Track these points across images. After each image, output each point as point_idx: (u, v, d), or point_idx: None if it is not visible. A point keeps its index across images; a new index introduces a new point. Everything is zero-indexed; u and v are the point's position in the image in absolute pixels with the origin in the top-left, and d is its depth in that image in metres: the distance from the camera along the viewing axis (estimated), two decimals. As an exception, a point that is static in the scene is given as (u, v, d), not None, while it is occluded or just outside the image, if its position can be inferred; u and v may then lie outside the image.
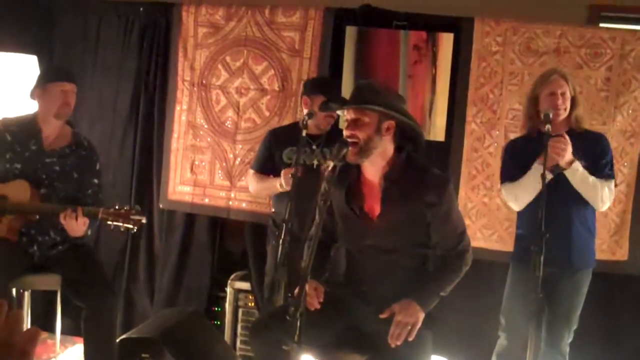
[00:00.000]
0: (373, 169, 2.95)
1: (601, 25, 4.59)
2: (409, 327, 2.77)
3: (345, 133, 2.85)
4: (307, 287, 2.89)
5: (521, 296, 3.48)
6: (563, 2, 4.41)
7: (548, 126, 3.28)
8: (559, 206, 3.42)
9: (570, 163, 3.36)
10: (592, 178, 3.47)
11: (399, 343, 2.75)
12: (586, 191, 3.47)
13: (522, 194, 3.53)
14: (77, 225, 3.52)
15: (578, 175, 3.43)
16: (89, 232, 3.67)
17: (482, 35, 4.41)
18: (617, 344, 4.38)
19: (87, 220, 3.53)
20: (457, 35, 4.45)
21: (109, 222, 3.49)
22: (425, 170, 2.98)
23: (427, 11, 4.46)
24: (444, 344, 3.56)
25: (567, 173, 3.41)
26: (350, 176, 2.96)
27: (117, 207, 3.51)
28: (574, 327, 3.62)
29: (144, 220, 3.54)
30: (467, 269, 3.03)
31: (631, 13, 4.64)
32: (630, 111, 4.32)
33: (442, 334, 3.15)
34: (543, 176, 3.13)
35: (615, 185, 3.65)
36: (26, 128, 3.80)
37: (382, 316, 2.82)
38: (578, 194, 3.39)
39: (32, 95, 3.81)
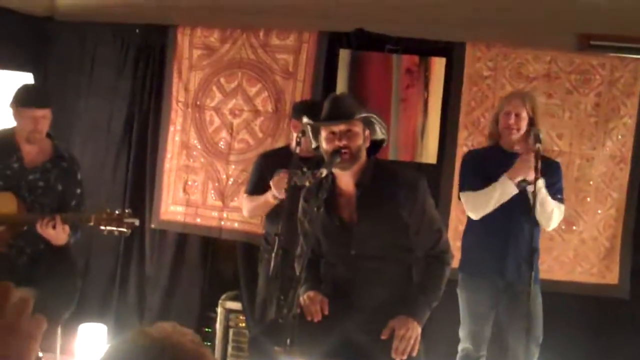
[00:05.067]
0: (347, 178, 3.00)
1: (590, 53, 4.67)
2: (412, 342, 2.80)
3: (337, 144, 2.91)
4: (305, 295, 2.93)
5: (483, 307, 3.72)
6: (553, 30, 4.48)
7: (538, 145, 3.35)
8: (514, 221, 3.59)
9: (536, 179, 3.43)
10: (549, 198, 3.59)
11: (404, 358, 2.77)
12: (544, 210, 3.57)
13: (484, 204, 3.64)
14: (55, 234, 3.51)
15: (542, 193, 3.52)
16: (72, 240, 3.65)
17: (474, 60, 4.48)
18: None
19: (66, 228, 3.52)
20: (449, 59, 4.52)
21: (102, 227, 3.48)
22: (396, 171, 3.10)
23: (419, 35, 4.54)
24: (434, 355, 3.58)
25: (529, 189, 3.47)
26: (323, 191, 2.94)
27: (108, 211, 3.51)
28: (539, 342, 3.66)
29: (137, 223, 3.55)
30: (449, 270, 3.05)
31: (620, 42, 4.71)
32: (620, 137, 4.38)
33: (432, 345, 3.16)
34: (534, 193, 3.23)
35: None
36: (5, 144, 3.75)
37: (383, 337, 2.84)
38: (529, 212, 3.45)
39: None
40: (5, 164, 3.73)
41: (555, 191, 3.65)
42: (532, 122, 3.67)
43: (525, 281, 3.12)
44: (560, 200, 3.69)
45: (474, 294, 3.71)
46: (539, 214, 3.56)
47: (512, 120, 3.66)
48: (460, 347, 3.83)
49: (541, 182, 3.48)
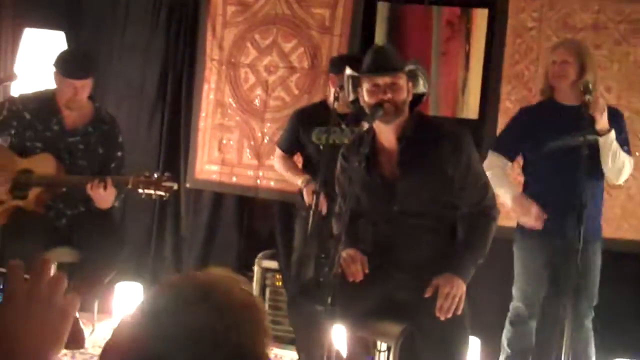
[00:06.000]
0: (388, 132, 2.89)
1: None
2: (457, 300, 2.71)
3: (381, 97, 2.78)
4: (344, 253, 2.85)
5: (537, 266, 3.61)
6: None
7: (588, 96, 3.20)
8: (573, 179, 3.35)
9: (608, 130, 3.33)
10: (620, 151, 3.44)
11: (449, 316, 2.69)
12: (614, 163, 3.44)
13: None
14: (105, 195, 3.47)
15: (614, 145, 3.39)
16: (116, 203, 3.62)
17: (517, 10, 4.30)
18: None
19: (114, 191, 3.49)
20: (492, 10, 4.35)
21: (140, 190, 3.43)
22: (439, 124, 3.01)
23: (460, -13, 4.38)
24: (477, 325, 3.48)
25: (602, 140, 3.35)
26: (365, 146, 2.81)
27: (147, 175, 3.46)
28: (594, 303, 3.55)
29: (175, 187, 3.50)
30: (496, 226, 2.94)
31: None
32: (671, 88, 4.19)
33: (476, 315, 3.07)
34: (584, 141, 3.07)
35: None
36: (45, 106, 3.74)
37: (427, 295, 2.74)
38: (591, 168, 3.28)
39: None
40: (45, 125, 3.71)
41: (621, 142, 3.48)
42: (582, 70, 3.50)
43: (588, 239, 2.99)
44: (628, 152, 3.53)
45: (529, 253, 3.59)
46: (610, 168, 3.44)
47: (557, 68, 3.52)
48: (511, 306, 3.72)
49: (613, 134, 3.35)
